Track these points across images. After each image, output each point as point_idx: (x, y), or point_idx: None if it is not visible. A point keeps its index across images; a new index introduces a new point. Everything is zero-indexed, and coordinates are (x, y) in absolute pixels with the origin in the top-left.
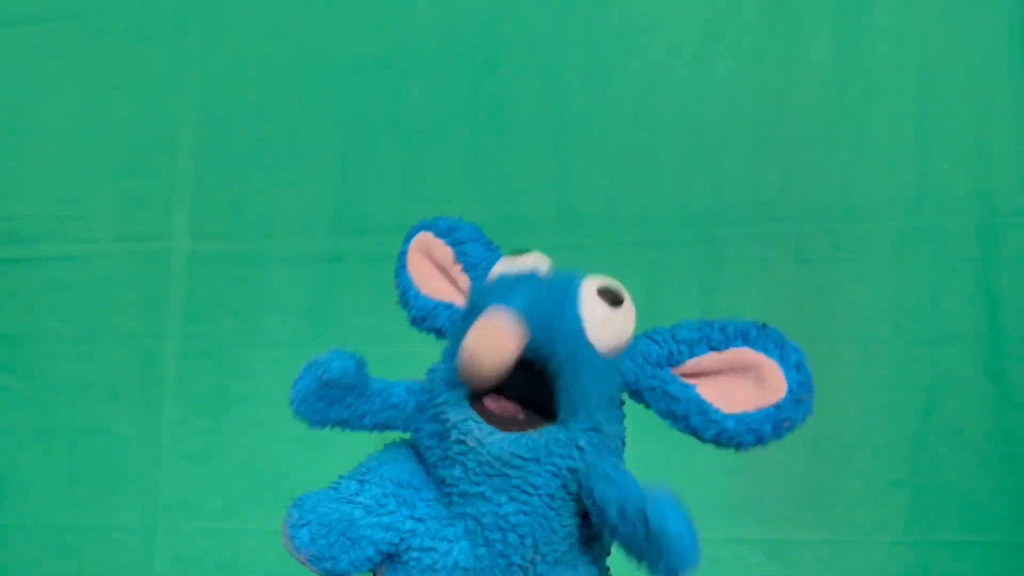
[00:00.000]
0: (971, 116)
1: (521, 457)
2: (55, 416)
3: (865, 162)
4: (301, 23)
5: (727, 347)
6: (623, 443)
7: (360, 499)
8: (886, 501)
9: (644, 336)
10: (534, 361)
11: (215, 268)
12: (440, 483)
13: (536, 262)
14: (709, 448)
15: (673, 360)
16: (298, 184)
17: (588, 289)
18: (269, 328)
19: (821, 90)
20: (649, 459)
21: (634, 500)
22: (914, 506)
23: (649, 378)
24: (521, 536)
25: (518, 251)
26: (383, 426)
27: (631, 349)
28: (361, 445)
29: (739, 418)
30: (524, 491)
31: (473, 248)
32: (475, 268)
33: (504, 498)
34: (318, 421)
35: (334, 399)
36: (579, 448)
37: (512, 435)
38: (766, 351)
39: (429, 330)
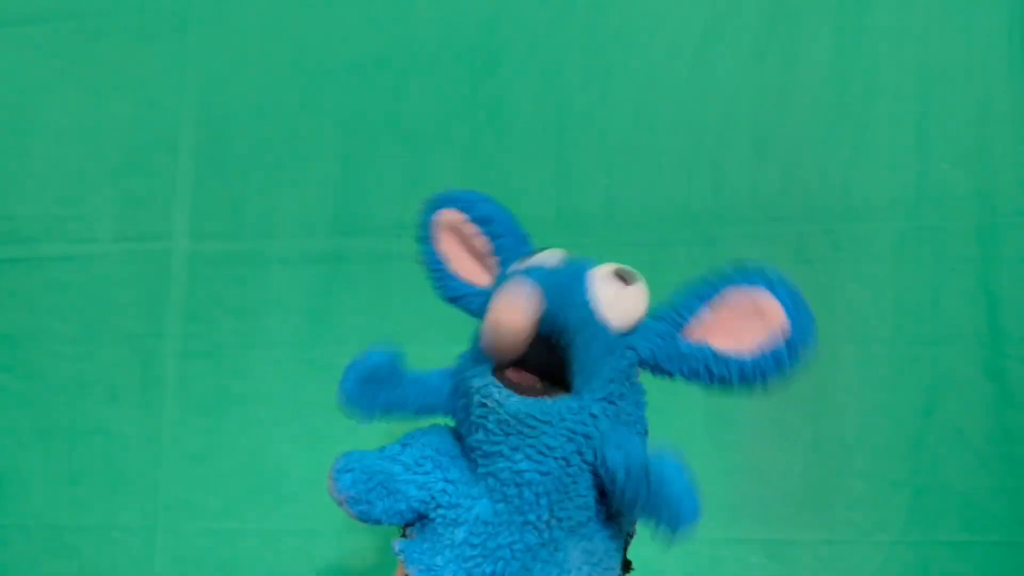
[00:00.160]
0: (971, 116)
1: (535, 418)
2: (55, 416)
3: (865, 162)
4: (301, 23)
5: (717, 294)
6: (646, 431)
7: (401, 458)
8: (886, 501)
9: (648, 316)
10: (550, 336)
11: (215, 268)
12: (470, 452)
13: (554, 255)
14: (709, 448)
15: (678, 326)
16: (298, 184)
17: (601, 271)
18: (269, 328)
19: (821, 90)
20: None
21: (638, 460)
22: (914, 506)
23: (662, 349)
24: (536, 494)
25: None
26: (426, 410)
27: (640, 329)
28: (362, 445)
29: (755, 353)
30: (540, 451)
31: (507, 241)
32: (508, 262)
33: (520, 456)
34: (368, 412)
35: (377, 390)
36: (592, 416)
37: (529, 398)
38: (753, 284)
39: (463, 310)
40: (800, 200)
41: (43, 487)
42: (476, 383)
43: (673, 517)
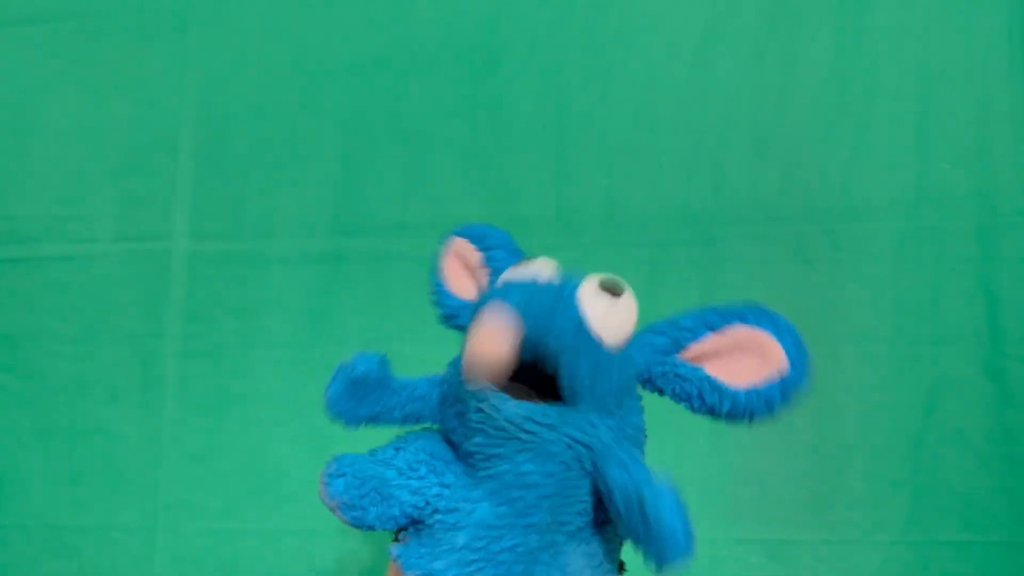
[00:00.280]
0: (971, 116)
1: (535, 422)
2: (55, 416)
3: (865, 162)
4: (301, 23)
5: (725, 326)
6: (645, 436)
7: (395, 463)
8: (886, 501)
9: (647, 329)
10: (535, 362)
11: (215, 268)
12: (467, 457)
13: (541, 267)
14: (709, 448)
15: (678, 346)
16: (298, 184)
17: (588, 286)
18: (269, 328)
19: (821, 90)
20: (649, 459)
21: (637, 488)
22: (914, 506)
23: (659, 365)
24: (540, 497)
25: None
26: (412, 418)
27: (637, 342)
28: (361, 445)
29: (749, 389)
30: (540, 456)
31: (499, 253)
32: (498, 272)
33: (523, 458)
34: (352, 420)
35: (363, 397)
36: (591, 424)
37: (526, 403)
38: (761, 326)
39: (457, 328)
40: (800, 200)
41: (43, 487)
42: (471, 388)
43: (663, 556)
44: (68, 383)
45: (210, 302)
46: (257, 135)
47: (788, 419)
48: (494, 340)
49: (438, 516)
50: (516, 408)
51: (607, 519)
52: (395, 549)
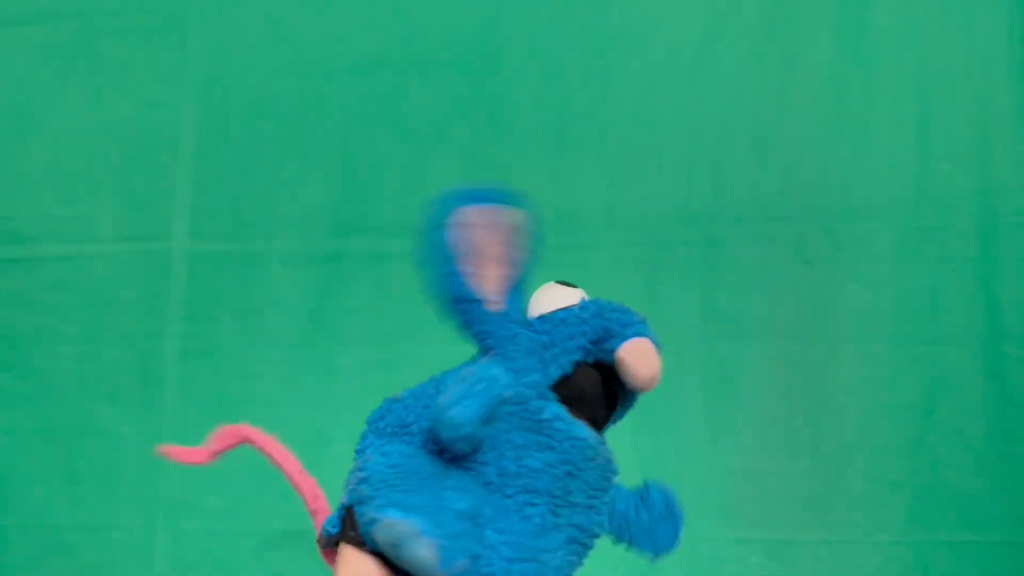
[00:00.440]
0: (971, 116)
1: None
2: (55, 416)
3: (865, 162)
4: (301, 23)
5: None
6: None
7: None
8: (886, 501)
9: None
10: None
11: (215, 268)
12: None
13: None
14: (709, 448)
15: None
16: (298, 184)
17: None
18: (269, 328)
19: (821, 90)
20: (649, 459)
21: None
22: (914, 506)
23: None
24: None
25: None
26: None
27: None
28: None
29: None
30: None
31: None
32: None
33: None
34: (474, 445)
35: (491, 419)
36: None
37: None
38: None
39: (457, 313)
40: (800, 200)
41: (43, 487)
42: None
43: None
44: (68, 383)
45: (210, 302)
46: (257, 135)
47: (788, 419)
48: (654, 357)
49: None
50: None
51: None
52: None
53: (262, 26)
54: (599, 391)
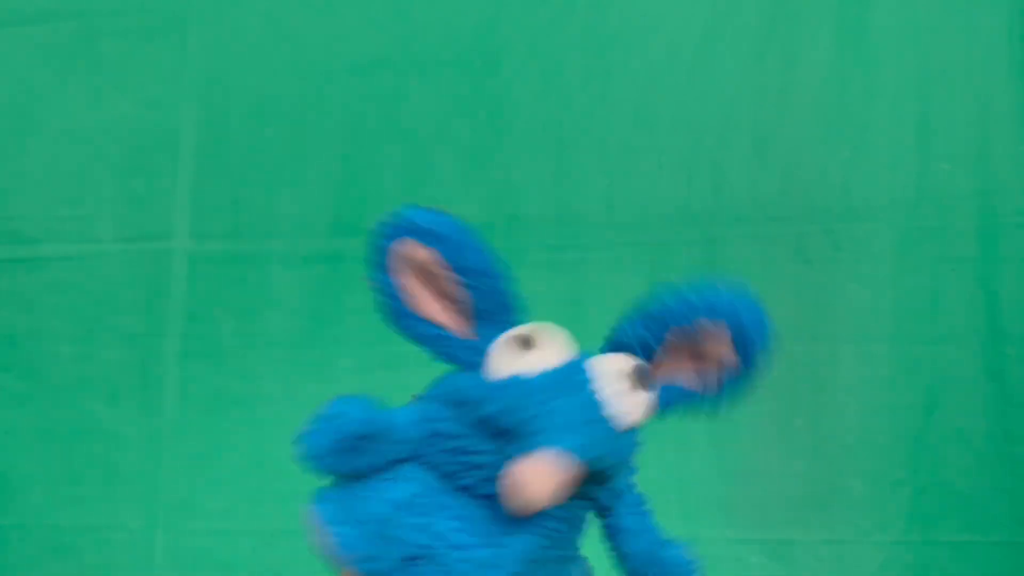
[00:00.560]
0: (971, 116)
1: None
2: (55, 416)
3: (865, 162)
4: (301, 23)
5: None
6: None
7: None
8: (886, 501)
9: None
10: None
11: (215, 268)
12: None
13: (546, 350)
14: (709, 448)
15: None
16: (298, 184)
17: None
18: (269, 328)
19: (821, 90)
20: (649, 459)
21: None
22: (914, 506)
23: None
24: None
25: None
26: (399, 462)
27: None
28: None
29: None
30: None
31: (489, 302)
32: (477, 289)
33: None
34: (346, 472)
35: (354, 450)
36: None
37: None
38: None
39: (430, 350)
40: (800, 200)
41: (43, 487)
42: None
43: None
44: (68, 383)
45: (210, 302)
46: (257, 135)
47: (788, 419)
48: (543, 478)
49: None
50: None
51: None
52: None
53: (262, 26)
54: None
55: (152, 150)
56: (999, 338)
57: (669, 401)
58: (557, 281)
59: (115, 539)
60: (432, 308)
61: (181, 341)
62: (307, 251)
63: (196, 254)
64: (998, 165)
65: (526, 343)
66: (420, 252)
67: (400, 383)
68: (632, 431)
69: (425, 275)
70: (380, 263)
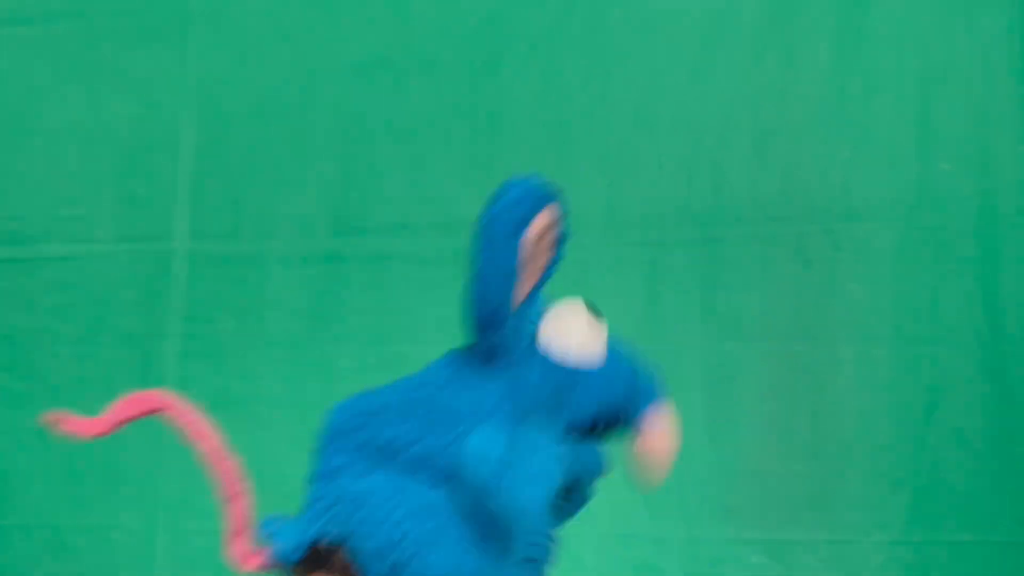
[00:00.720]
0: (971, 116)
1: None
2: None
3: (865, 162)
4: (301, 23)
5: None
6: None
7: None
8: (886, 501)
9: None
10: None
11: (215, 268)
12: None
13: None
14: (709, 448)
15: None
16: (298, 184)
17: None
18: (269, 328)
19: (821, 90)
20: None
21: None
22: (914, 506)
23: None
24: None
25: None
26: None
27: None
28: None
29: None
30: None
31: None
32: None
33: None
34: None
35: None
36: None
37: None
38: None
39: (495, 341)
40: (800, 200)
41: (43, 487)
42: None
43: None
44: (68, 383)
45: (210, 302)
46: (257, 135)
47: (788, 419)
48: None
49: None
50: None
51: None
52: None
53: (262, 26)
54: None
55: (152, 150)
56: (999, 338)
57: None
58: (557, 281)
59: (115, 539)
60: (525, 286)
61: (181, 341)
62: (307, 251)
63: (196, 254)
64: (998, 165)
65: (598, 316)
66: (546, 217)
67: None
68: None
69: (537, 245)
70: (515, 231)
